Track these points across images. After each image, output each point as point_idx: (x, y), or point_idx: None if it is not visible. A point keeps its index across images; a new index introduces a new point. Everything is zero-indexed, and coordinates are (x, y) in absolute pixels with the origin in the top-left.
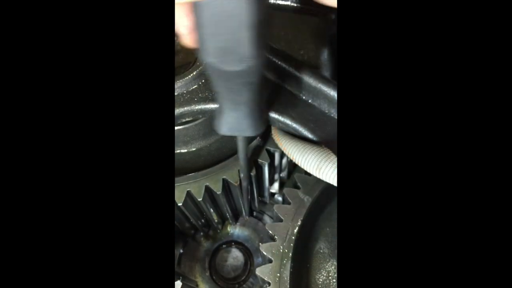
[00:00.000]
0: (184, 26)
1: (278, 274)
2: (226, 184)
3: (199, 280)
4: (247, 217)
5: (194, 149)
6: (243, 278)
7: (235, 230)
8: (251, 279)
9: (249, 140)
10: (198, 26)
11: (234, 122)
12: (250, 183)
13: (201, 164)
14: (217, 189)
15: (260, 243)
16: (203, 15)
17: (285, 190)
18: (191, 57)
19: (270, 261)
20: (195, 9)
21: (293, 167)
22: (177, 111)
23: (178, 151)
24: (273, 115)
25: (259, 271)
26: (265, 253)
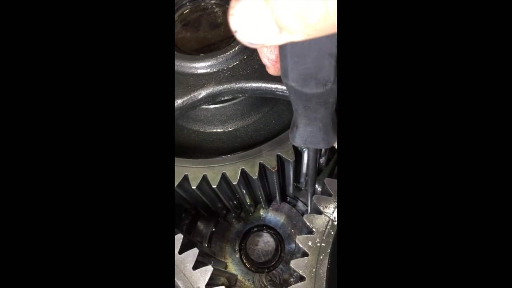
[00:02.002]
0: (270, 60)
1: (314, 270)
2: (262, 169)
3: (228, 261)
4: (280, 203)
5: (231, 129)
6: (273, 264)
7: (267, 214)
8: (281, 266)
9: (290, 123)
10: (282, 57)
11: (308, 136)
12: (288, 169)
13: (237, 145)
14: (253, 173)
15: (297, 235)
16: (287, 49)
17: (326, 180)
18: None
19: (304, 254)
20: (281, 45)
21: (332, 153)
22: (216, 89)
23: (214, 130)
24: None
25: (294, 264)
26: (301, 246)
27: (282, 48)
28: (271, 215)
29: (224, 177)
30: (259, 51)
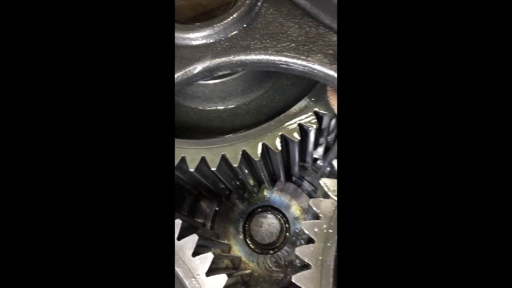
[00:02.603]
0: None
1: (321, 257)
2: (265, 149)
3: (232, 242)
4: (285, 183)
5: (231, 106)
6: (277, 245)
7: (272, 195)
8: (286, 248)
9: (295, 99)
10: None
11: None
12: (293, 149)
13: (238, 124)
14: (255, 155)
15: (303, 215)
16: None
17: (335, 162)
18: None
19: (310, 240)
20: None
21: None
22: (213, 62)
23: (214, 107)
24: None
25: (299, 251)
26: (306, 232)
27: None
28: (276, 196)
29: (224, 158)
30: None
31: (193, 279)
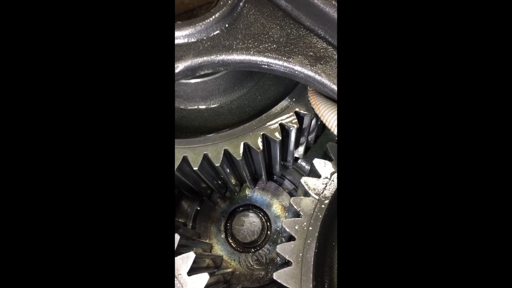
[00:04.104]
0: None
1: (301, 254)
2: (247, 148)
3: (214, 241)
4: (266, 182)
5: (213, 106)
6: (259, 243)
7: (253, 194)
8: (267, 246)
9: (277, 99)
10: None
11: None
12: (274, 148)
13: (220, 123)
14: (237, 154)
15: (284, 213)
16: None
17: (315, 161)
18: None
19: (291, 238)
20: None
21: (320, 131)
22: (195, 61)
23: (195, 107)
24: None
25: (280, 249)
26: (287, 230)
27: None
28: (257, 195)
29: (206, 158)
30: None
31: (175, 279)
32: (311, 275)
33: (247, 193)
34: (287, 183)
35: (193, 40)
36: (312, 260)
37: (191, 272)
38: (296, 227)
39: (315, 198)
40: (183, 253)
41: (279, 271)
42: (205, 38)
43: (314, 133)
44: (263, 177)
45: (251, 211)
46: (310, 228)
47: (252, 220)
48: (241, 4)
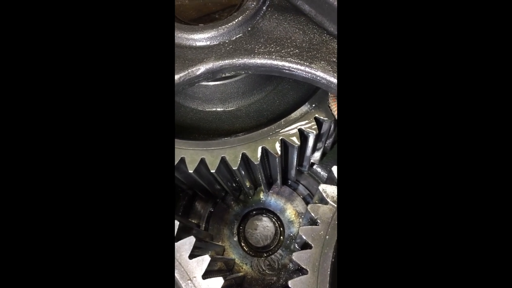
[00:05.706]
0: None
1: (318, 263)
2: (264, 153)
3: (226, 244)
4: (281, 187)
5: (231, 108)
6: (271, 248)
7: (268, 198)
8: (280, 251)
9: (295, 104)
10: None
11: None
12: (291, 153)
13: (238, 126)
14: (255, 158)
15: (298, 219)
16: None
17: (334, 168)
18: None
19: (307, 245)
20: None
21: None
22: (216, 64)
23: (213, 109)
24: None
25: (296, 257)
26: (304, 237)
27: None
28: (271, 199)
29: (223, 161)
30: None
31: (189, 282)
32: (328, 285)
33: (261, 196)
34: (301, 188)
35: (215, 42)
36: (329, 270)
37: (205, 275)
38: (313, 235)
39: (333, 206)
40: (196, 255)
41: (294, 279)
42: (227, 41)
43: (331, 139)
44: (278, 181)
45: (264, 215)
46: (327, 237)
47: (265, 225)
48: (264, 8)
